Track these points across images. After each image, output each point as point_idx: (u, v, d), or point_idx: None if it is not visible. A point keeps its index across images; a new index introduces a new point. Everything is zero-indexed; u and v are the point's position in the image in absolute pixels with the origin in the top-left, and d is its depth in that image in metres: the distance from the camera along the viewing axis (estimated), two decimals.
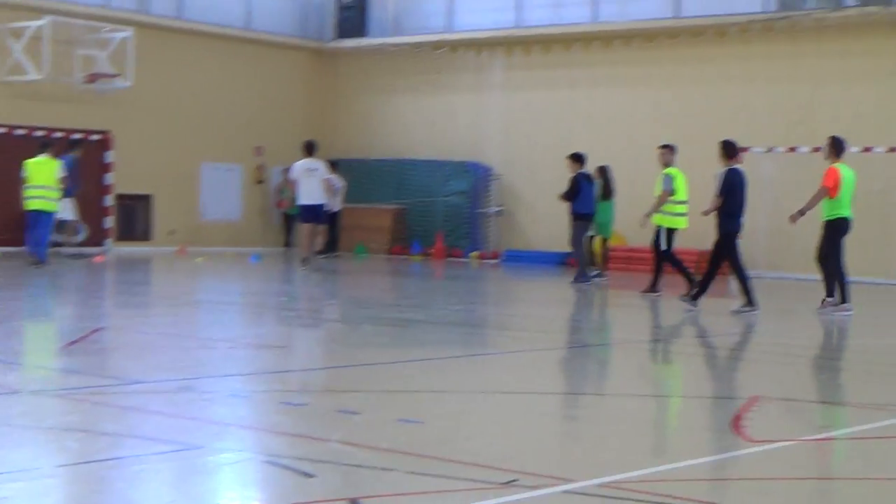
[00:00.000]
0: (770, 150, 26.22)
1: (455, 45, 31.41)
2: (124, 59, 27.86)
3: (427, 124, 31.95)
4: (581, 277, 21.26)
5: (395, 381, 10.01)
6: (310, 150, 23.13)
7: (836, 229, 16.74)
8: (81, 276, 21.25)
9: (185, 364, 10.32)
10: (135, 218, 30.36)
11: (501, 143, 30.79)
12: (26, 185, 22.06)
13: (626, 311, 18.02)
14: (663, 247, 19.14)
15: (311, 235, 23.21)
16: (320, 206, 22.86)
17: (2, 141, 27.36)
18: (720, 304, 18.72)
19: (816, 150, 22.59)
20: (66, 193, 23.79)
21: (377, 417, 7.99)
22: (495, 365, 11.43)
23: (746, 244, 26.08)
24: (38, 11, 27.22)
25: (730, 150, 17.09)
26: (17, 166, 27.02)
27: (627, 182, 28.79)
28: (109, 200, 29.41)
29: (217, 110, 31.44)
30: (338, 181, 27.26)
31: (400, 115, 32.55)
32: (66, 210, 24.44)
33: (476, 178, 30.91)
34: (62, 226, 24.68)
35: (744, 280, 16.56)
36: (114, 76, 27.86)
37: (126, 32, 27.94)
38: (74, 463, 6.35)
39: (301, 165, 22.89)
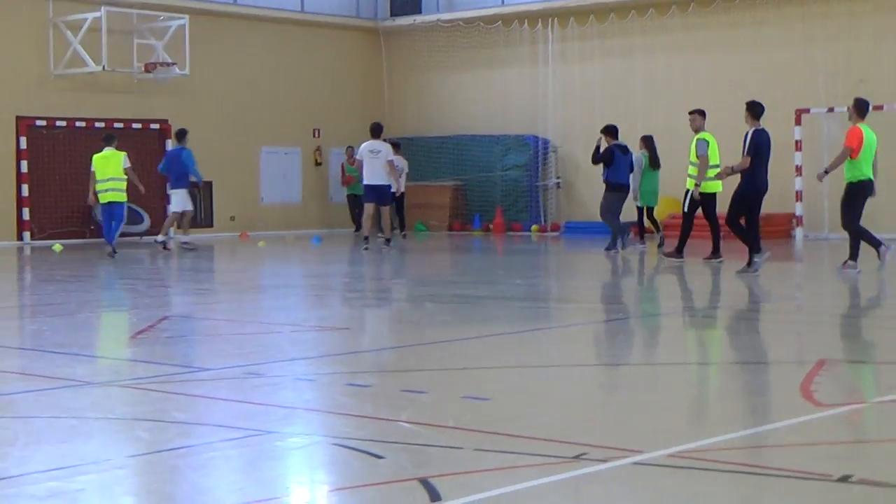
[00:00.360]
0: (831, 110, 25.91)
1: (509, 19, 31.30)
2: (180, 47, 28.00)
3: (483, 99, 31.88)
4: (613, 244, 21.32)
5: (459, 358, 10.01)
6: (375, 132, 23.11)
7: (858, 191, 16.60)
8: (147, 265, 21.41)
9: (250, 350, 10.38)
10: (196, 205, 30.54)
11: (559, 115, 30.66)
12: (96, 179, 22.31)
13: (686, 278, 17.89)
14: (685, 209, 19.48)
15: (373, 216, 23.30)
16: (383, 187, 22.87)
17: (63, 134, 27.63)
18: (781, 269, 18.61)
19: (878, 108, 22.35)
20: (180, 185, 24.35)
21: (443, 396, 7.99)
22: (559, 339, 11.40)
23: (810, 205, 25.94)
24: (95, 3, 27.41)
25: (756, 110, 17.57)
26: (78, 158, 27.30)
27: (685, 152, 28.55)
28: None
29: (274, 94, 31.54)
30: (401, 163, 27.19)
31: (456, 91, 32.51)
32: (185, 202, 24.53)
33: (534, 151, 30.82)
34: (182, 217, 24.73)
35: (754, 239, 16.98)
36: (171, 64, 28.02)
37: (181, 20, 28.08)
38: (145, 453, 6.40)
39: (365, 147, 22.92)
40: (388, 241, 23.11)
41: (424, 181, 31.36)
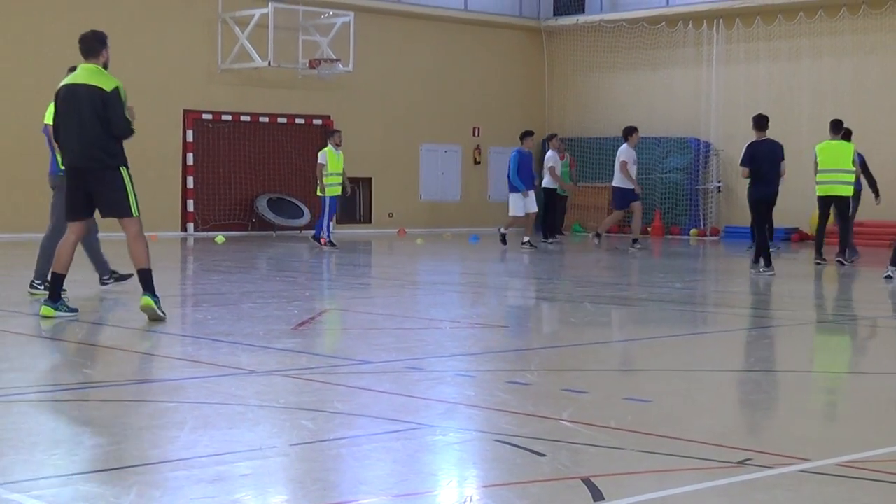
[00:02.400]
0: None
1: (673, 20, 31.01)
2: (345, 43, 28.31)
3: (645, 101, 31.63)
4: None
5: (619, 359, 9.94)
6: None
7: None
8: (307, 259, 21.70)
9: (410, 344, 10.44)
10: (355, 201, 30.87)
11: (721, 117, 30.29)
12: (327, 172, 23.28)
13: (844, 283, 17.51)
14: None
15: (615, 218, 25.52)
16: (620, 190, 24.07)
17: (228, 127, 28.15)
18: None
19: None
20: (517, 188, 24.48)
21: (604, 396, 7.95)
22: (719, 343, 11.25)
23: None
24: None
25: (759, 123, 18.96)
26: (243, 151, 27.82)
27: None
28: None
29: (435, 92, 31.71)
30: (551, 161, 26.49)
31: (617, 92, 32.32)
32: (527, 204, 24.63)
33: (695, 153, 30.50)
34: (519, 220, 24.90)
35: (764, 245, 18.40)
36: (335, 61, 28.34)
37: (347, 17, 28.39)
38: (309, 441, 6.47)
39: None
40: (634, 241, 24.03)
41: (583, 182, 31.22)
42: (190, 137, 27.47)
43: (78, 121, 10.98)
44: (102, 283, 14.20)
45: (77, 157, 11.10)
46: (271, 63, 27.36)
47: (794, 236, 28.11)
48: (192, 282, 17.48)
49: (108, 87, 11.04)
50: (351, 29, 28.31)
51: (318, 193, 23.81)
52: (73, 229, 11.38)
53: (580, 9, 33.09)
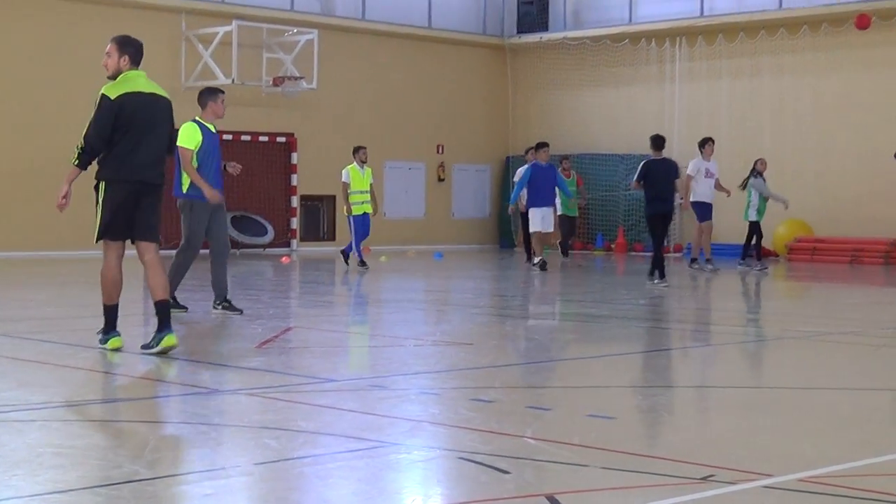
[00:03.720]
0: None
1: (636, 37, 31.16)
2: (309, 61, 28.30)
3: (608, 118, 31.76)
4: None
5: (583, 376, 9.96)
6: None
7: None
8: (270, 277, 21.64)
9: (374, 362, 10.42)
10: (319, 218, 30.85)
11: (684, 134, 30.41)
12: (351, 190, 22.68)
13: (810, 299, 17.61)
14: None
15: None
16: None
17: None
18: (888, 296, 18.28)
19: None
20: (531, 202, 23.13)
21: (567, 413, 7.96)
22: (681, 359, 11.29)
23: None
24: (226, 17, 27.84)
25: (655, 143, 19.77)
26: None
27: (814, 173, 28.26)
28: (295, 201, 29.95)
29: (399, 109, 31.73)
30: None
31: (581, 109, 32.44)
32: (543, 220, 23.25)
33: None
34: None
35: (659, 258, 19.32)
36: (299, 78, 28.33)
37: (310, 35, 28.39)
38: (272, 461, 6.44)
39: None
40: (693, 260, 23.30)
41: None
42: None
43: (154, 133, 10.31)
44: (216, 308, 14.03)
45: (152, 172, 10.35)
46: (235, 81, 27.32)
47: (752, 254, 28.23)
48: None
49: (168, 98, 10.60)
50: (315, 46, 28.31)
51: (345, 213, 23.04)
52: (118, 251, 10.45)
53: (543, 26, 33.20)
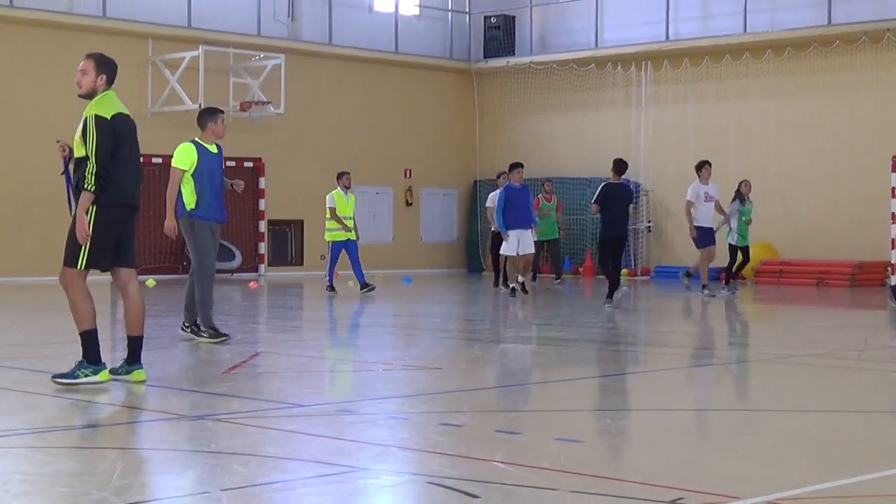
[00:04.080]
0: None
1: (602, 62, 31.30)
2: (276, 86, 28.30)
3: (575, 142, 31.89)
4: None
5: (552, 400, 9.97)
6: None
7: None
8: (238, 302, 21.58)
9: (342, 387, 10.41)
10: (287, 243, 30.81)
11: (651, 158, 30.58)
12: (339, 216, 22.57)
13: (776, 323, 17.68)
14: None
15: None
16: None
17: (159, 170, 27.97)
18: (875, 317, 18.37)
19: None
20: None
21: (536, 437, 7.96)
22: (649, 382, 11.31)
23: None
24: (193, 42, 27.81)
25: (616, 167, 20.01)
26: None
27: (779, 196, 28.45)
28: (262, 226, 29.90)
29: (366, 134, 31.76)
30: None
31: (548, 133, 32.54)
32: (522, 244, 21.99)
33: None
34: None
35: (615, 279, 19.74)
36: (266, 103, 28.32)
37: (277, 59, 28.39)
38: (241, 486, 6.42)
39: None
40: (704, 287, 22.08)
41: None
42: None
43: (135, 155, 10.06)
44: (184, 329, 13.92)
45: (137, 194, 10.03)
46: (202, 106, 27.24)
47: (722, 275, 28.31)
48: (122, 326, 17.27)
49: None
50: (282, 71, 28.32)
51: (326, 238, 22.92)
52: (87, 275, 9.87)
53: (510, 51, 33.32)
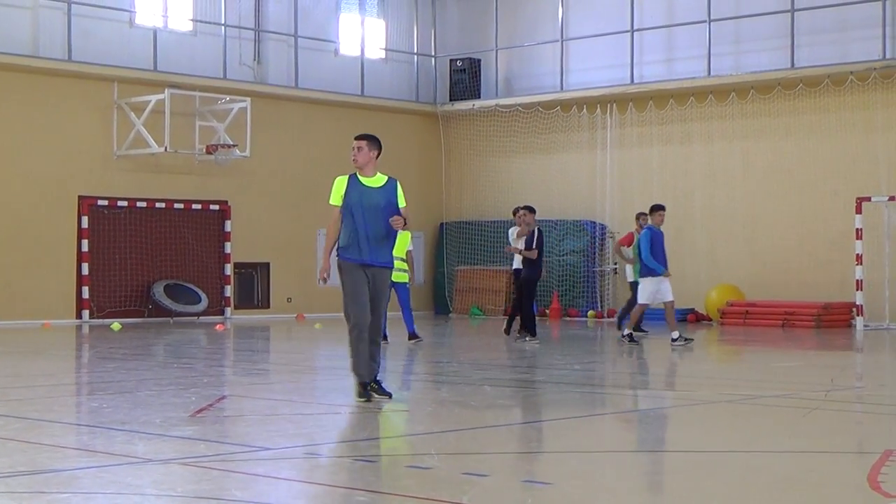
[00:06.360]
0: (892, 198, 25.80)
1: (568, 104, 31.45)
2: (242, 129, 28.30)
3: (541, 184, 31.96)
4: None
5: (519, 442, 9.94)
6: None
7: None
8: (204, 346, 21.49)
9: (309, 430, 10.35)
10: (253, 286, 30.73)
11: (617, 200, 30.69)
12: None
13: (740, 365, 17.72)
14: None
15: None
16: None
17: (124, 214, 27.92)
18: (843, 358, 18.45)
19: None
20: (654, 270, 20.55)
21: (504, 479, 7.94)
22: (617, 424, 11.31)
23: (871, 294, 25.67)
24: (159, 85, 27.80)
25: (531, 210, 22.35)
26: (141, 237, 27.68)
27: (744, 238, 28.62)
28: (228, 269, 29.82)
29: (333, 177, 31.58)
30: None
31: (514, 175, 32.63)
32: (663, 291, 20.66)
33: (591, 236, 30.85)
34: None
35: (531, 316, 21.46)
36: (232, 146, 28.30)
37: (243, 103, 28.40)
38: None
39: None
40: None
41: (481, 265, 31.44)
42: (85, 223, 27.16)
43: None
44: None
45: None
46: (168, 148, 27.26)
47: (689, 316, 28.46)
48: (87, 369, 17.20)
49: None
50: (248, 114, 28.33)
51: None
52: None
53: (476, 94, 33.44)
